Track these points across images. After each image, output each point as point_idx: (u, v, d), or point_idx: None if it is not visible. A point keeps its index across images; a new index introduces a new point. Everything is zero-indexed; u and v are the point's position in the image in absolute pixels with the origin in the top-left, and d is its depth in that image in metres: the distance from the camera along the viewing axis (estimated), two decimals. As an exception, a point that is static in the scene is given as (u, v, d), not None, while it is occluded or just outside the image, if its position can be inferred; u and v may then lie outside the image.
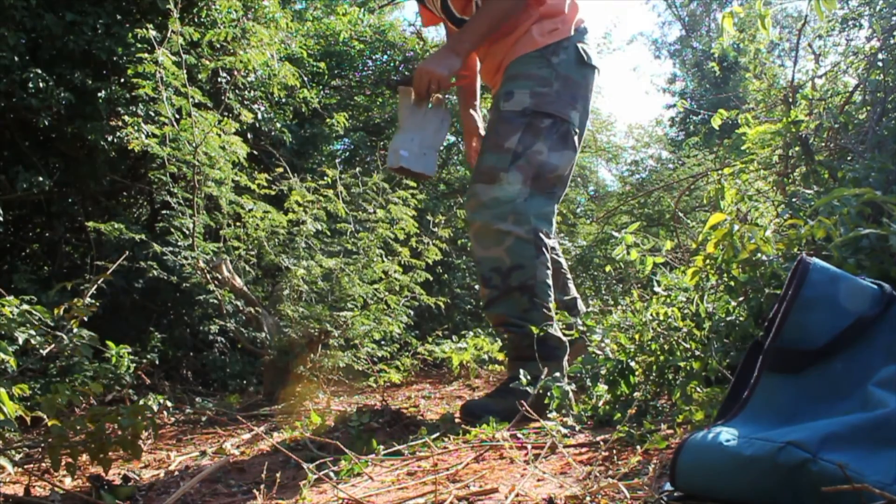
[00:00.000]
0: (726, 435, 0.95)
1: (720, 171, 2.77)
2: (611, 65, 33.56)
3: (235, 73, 3.59)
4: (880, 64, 2.41)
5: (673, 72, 18.68)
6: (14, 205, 3.44)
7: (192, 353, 3.73)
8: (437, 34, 6.15)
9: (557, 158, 2.00)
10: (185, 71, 2.75)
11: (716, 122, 2.86)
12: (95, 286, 2.00)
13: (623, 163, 9.25)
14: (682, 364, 1.53)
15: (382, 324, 2.96)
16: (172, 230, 2.78)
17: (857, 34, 3.09)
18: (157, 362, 3.07)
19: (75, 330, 1.76)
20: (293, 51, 4.77)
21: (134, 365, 2.25)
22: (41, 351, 1.77)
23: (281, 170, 3.37)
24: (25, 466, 1.59)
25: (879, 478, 0.82)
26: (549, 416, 1.63)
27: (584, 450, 1.40)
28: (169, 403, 2.26)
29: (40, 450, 1.69)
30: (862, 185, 1.65)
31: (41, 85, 3.01)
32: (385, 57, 6.01)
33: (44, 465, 1.60)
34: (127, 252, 2.84)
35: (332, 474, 1.38)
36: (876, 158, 1.92)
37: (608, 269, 4.81)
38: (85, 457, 1.42)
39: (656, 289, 1.74)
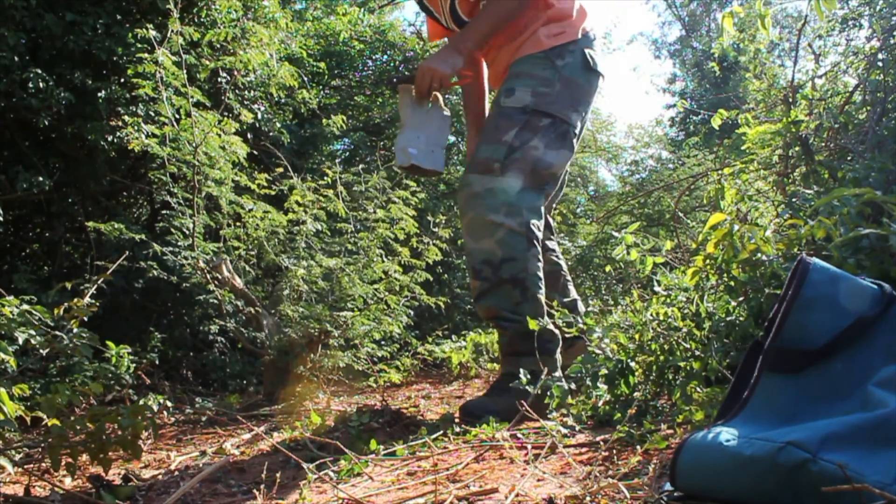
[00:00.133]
0: (726, 435, 0.95)
1: (720, 171, 2.77)
2: (611, 65, 33.57)
3: (235, 73, 3.59)
4: (880, 64, 2.40)
5: (673, 72, 18.70)
6: (14, 205, 3.44)
7: (192, 353, 3.73)
8: (437, 34, 6.14)
9: (553, 156, 2.00)
10: (185, 71, 2.75)
11: (716, 122, 2.86)
12: (95, 286, 2.00)
13: (623, 163, 9.25)
14: (682, 364, 1.53)
15: (382, 324, 2.96)
16: (172, 230, 2.78)
17: (857, 34, 3.09)
18: (157, 362, 3.07)
19: (75, 330, 1.76)
20: (293, 51, 4.77)
21: (134, 365, 2.24)
22: (41, 351, 1.76)
23: (281, 170, 3.37)
24: (25, 466, 1.59)
25: (879, 478, 0.82)
26: (548, 415, 1.63)
27: (584, 450, 1.40)
28: (169, 403, 2.26)
29: (40, 450, 1.69)
30: (862, 185, 1.65)
31: (41, 85, 3.01)
32: (385, 57, 6.01)
33: (44, 465, 1.60)
34: (127, 252, 2.84)
35: (332, 474, 1.38)
36: (876, 158, 1.92)
37: (608, 269, 4.82)
38: (85, 457, 1.41)
39: (656, 289, 1.74)
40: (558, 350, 1.98)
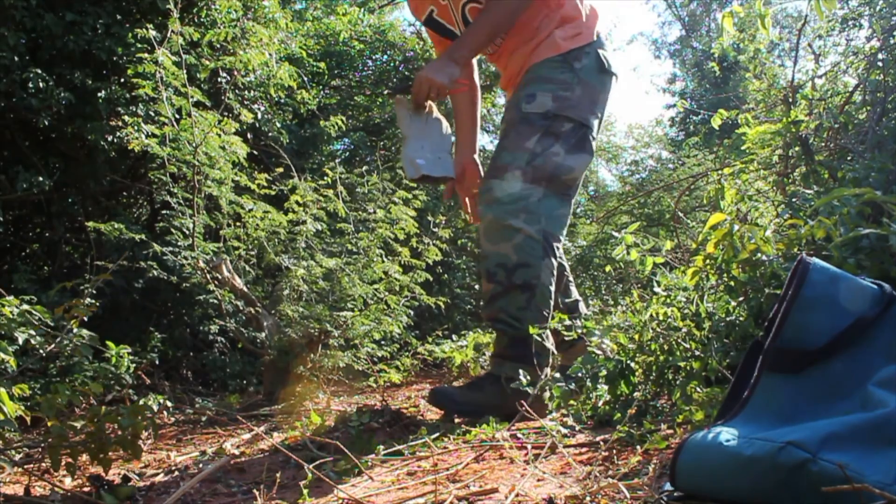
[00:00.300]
0: (726, 435, 0.95)
1: (720, 171, 2.77)
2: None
3: (235, 73, 3.59)
4: (880, 64, 2.40)
5: (673, 72, 18.71)
6: (14, 205, 3.44)
7: (192, 353, 3.73)
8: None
9: (574, 161, 1.99)
10: (184, 71, 2.75)
11: (716, 122, 2.86)
12: (95, 286, 2.00)
13: (623, 163, 9.27)
14: (682, 364, 1.53)
15: (382, 324, 2.96)
16: (172, 230, 2.78)
17: (857, 34, 3.09)
18: (157, 362, 3.07)
19: (75, 330, 1.76)
20: (293, 51, 4.77)
21: (134, 365, 2.24)
22: (41, 351, 1.77)
23: (281, 170, 3.37)
24: (25, 466, 1.59)
25: (879, 478, 0.82)
26: (548, 416, 1.63)
27: (584, 450, 1.40)
28: (169, 403, 2.26)
29: (40, 450, 1.69)
30: (862, 185, 1.65)
31: (41, 85, 3.01)
32: (385, 57, 6.01)
33: (44, 465, 1.60)
34: (127, 252, 2.85)
35: (332, 474, 1.38)
36: (876, 158, 1.92)
37: (608, 269, 4.82)
38: (85, 457, 1.42)
39: (656, 289, 1.74)
40: (547, 366, 1.97)
